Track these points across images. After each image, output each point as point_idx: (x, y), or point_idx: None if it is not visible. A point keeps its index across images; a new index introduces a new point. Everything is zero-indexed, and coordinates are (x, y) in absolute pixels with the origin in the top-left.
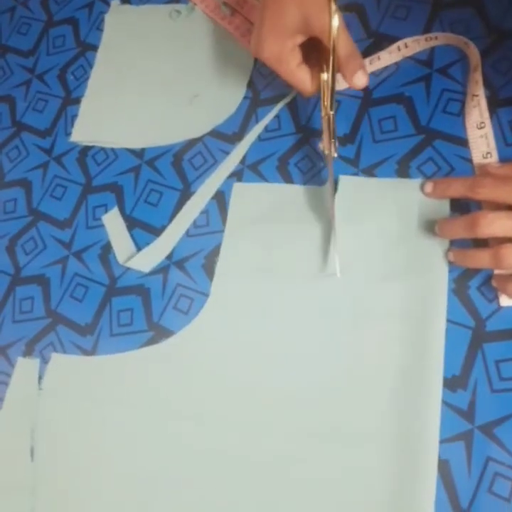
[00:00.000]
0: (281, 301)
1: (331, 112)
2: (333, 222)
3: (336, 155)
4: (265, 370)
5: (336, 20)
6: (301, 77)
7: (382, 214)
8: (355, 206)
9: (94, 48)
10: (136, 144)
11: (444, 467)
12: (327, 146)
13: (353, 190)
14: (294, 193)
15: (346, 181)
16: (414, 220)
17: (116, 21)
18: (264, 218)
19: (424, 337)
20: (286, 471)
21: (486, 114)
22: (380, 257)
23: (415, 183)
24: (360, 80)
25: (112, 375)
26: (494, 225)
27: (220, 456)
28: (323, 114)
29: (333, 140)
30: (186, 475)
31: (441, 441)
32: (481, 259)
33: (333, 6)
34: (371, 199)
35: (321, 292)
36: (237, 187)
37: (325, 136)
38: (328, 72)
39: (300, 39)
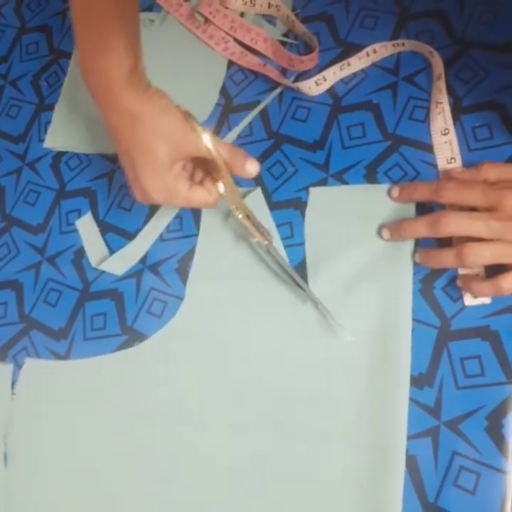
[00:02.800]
0: (254, 303)
1: (246, 211)
2: (316, 301)
3: (272, 240)
4: (239, 371)
5: (206, 138)
6: (197, 198)
7: (351, 219)
8: (326, 214)
9: (68, 55)
10: (110, 150)
11: (411, 462)
12: (261, 238)
13: (322, 200)
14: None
15: (316, 193)
16: (381, 223)
17: None
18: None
19: (391, 337)
20: (262, 467)
21: (450, 121)
22: (348, 261)
23: (382, 188)
24: (252, 169)
25: (86, 379)
26: (453, 223)
27: (196, 456)
28: (240, 216)
29: (261, 230)
30: (162, 476)
31: (409, 437)
32: (445, 258)
33: (197, 126)
34: (340, 206)
35: (291, 296)
36: None
37: (253, 231)
38: (221, 179)
39: (179, 166)
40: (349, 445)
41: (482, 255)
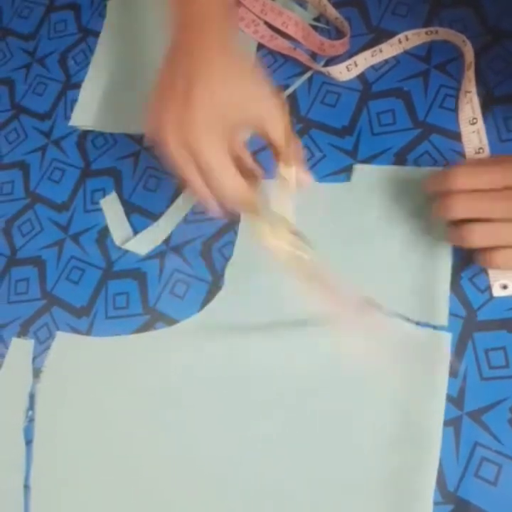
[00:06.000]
0: (289, 297)
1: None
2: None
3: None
4: (269, 361)
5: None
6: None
7: (398, 197)
8: (370, 193)
9: (96, 33)
10: (136, 130)
11: None
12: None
13: (367, 177)
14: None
15: (360, 170)
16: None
17: (118, 8)
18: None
19: (429, 318)
20: (292, 456)
21: (478, 111)
22: (388, 239)
23: (425, 170)
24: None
25: (111, 357)
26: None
27: (219, 441)
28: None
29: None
30: (183, 458)
31: None
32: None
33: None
34: (386, 185)
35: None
36: None
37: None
38: (286, 161)
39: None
40: (383, 434)
41: None
